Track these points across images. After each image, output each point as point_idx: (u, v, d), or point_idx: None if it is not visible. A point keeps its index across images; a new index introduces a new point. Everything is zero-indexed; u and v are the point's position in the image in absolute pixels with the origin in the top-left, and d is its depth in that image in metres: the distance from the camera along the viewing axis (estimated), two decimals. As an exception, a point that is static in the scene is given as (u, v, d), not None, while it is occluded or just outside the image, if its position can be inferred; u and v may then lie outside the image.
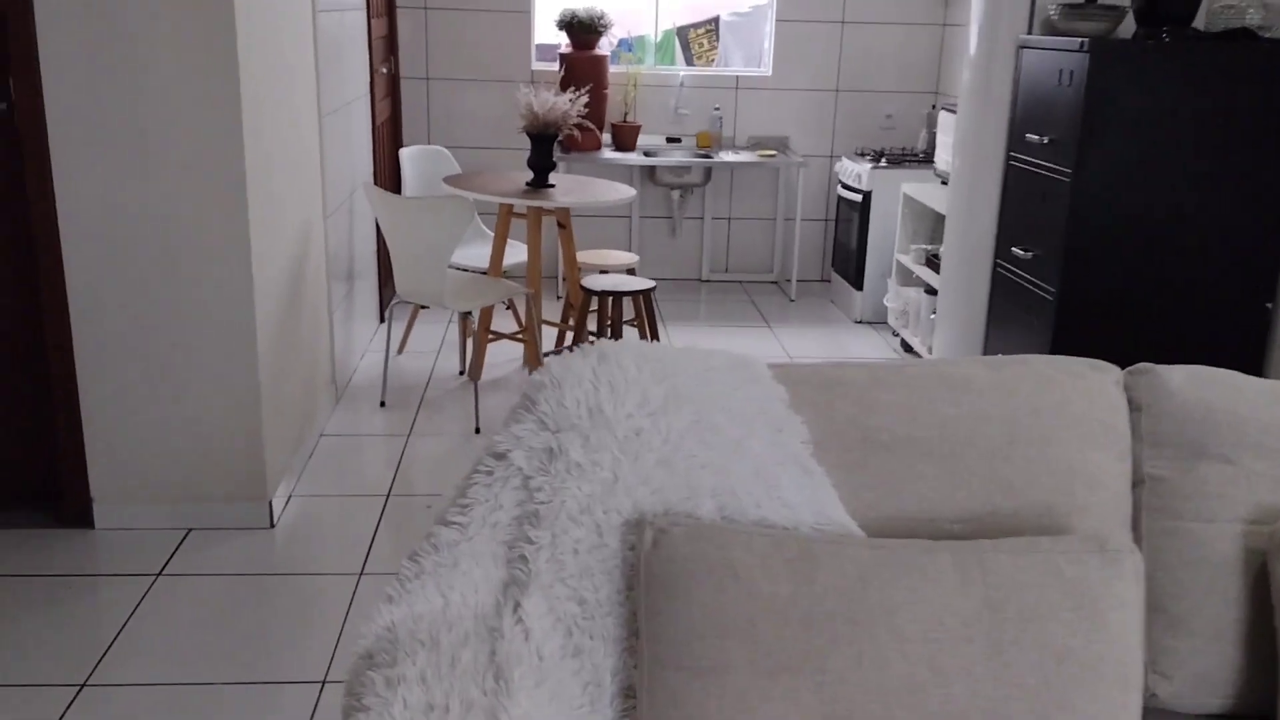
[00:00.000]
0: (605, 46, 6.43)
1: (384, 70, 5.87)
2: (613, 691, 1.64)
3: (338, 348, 4.65)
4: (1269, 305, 3.60)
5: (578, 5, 6.26)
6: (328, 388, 4.48)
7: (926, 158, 6.02)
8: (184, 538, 3.46)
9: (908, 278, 5.52)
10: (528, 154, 4.85)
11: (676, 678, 1.55)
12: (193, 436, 3.47)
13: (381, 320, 5.75)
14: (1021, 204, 3.86)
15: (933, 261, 5.19)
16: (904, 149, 6.25)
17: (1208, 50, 3.44)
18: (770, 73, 6.64)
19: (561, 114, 4.64)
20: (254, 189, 3.35)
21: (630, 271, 5.28)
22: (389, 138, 6.07)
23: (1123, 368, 1.93)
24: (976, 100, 4.13)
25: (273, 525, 3.56)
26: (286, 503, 3.72)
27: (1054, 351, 3.59)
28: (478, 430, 4.40)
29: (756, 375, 1.78)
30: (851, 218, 6.11)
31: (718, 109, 6.59)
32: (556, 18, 6.29)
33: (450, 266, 4.77)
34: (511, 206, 4.86)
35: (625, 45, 6.96)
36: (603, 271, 5.17)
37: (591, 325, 4.90)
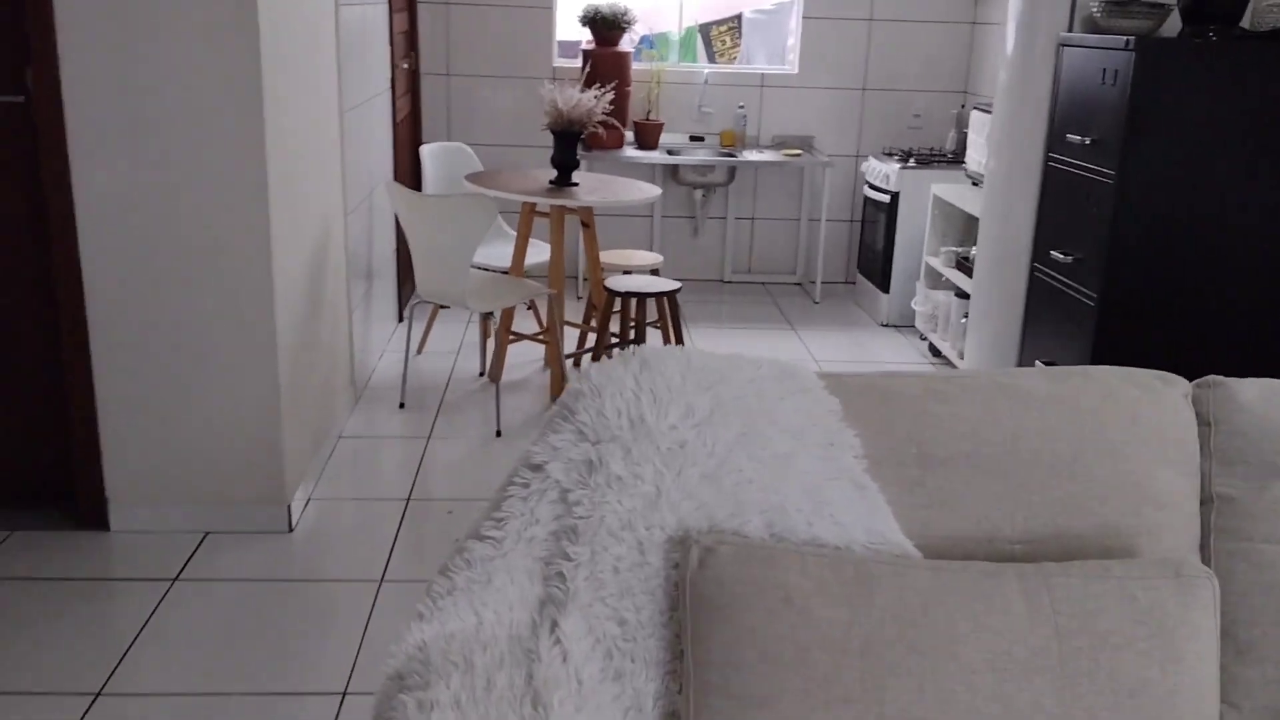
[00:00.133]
0: (626, 43, 6.34)
1: (404, 66, 5.80)
2: (654, 718, 1.55)
3: (356, 347, 4.57)
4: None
5: (601, 1, 6.16)
6: (346, 388, 4.40)
7: (956, 158, 5.91)
8: (201, 541, 3.39)
9: (937, 280, 5.42)
10: (549, 151, 4.77)
11: (725, 706, 1.46)
12: (210, 437, 3.39)
13: (400, 320, 5.67)
14: (1061, 206, 3.75)
15: (963, 264, 5.08)
16: (932, 149, 6.15)
17: (1256, 49, 3.33)
18: (796, 70, 6.54)
19: (586, 111, 4.55)
20: (275, 185, 3.27)
21: (654, 272, 5.19)
22: (409, 134, 5.99)
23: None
24: (1014, 99, 4.03)
25: (291, 529, 3.48)
26: (305, 506, 3.64)
27: (1095, 358, 3.49)
28: (499, 433, 4.32)
29: (806, 385, 1.69)
30: (878, 219, 6.01)
31: (742, 107, 6.50)
32: (580, 13, 6.20)
33: (471, 266, 4.68)
34: (534, 205, 4.77)
35: (647, 42, 6.87)
36: (626, 272, 5.08)
37: (614, 327, 4.81)
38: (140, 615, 2.99)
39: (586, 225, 4.84)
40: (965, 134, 5.92)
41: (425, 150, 5.37)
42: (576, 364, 5.08)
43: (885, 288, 5.90)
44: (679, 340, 4.66)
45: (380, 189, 5.08)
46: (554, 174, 4.86)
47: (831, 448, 1.63)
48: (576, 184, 4.75)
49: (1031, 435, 1.67)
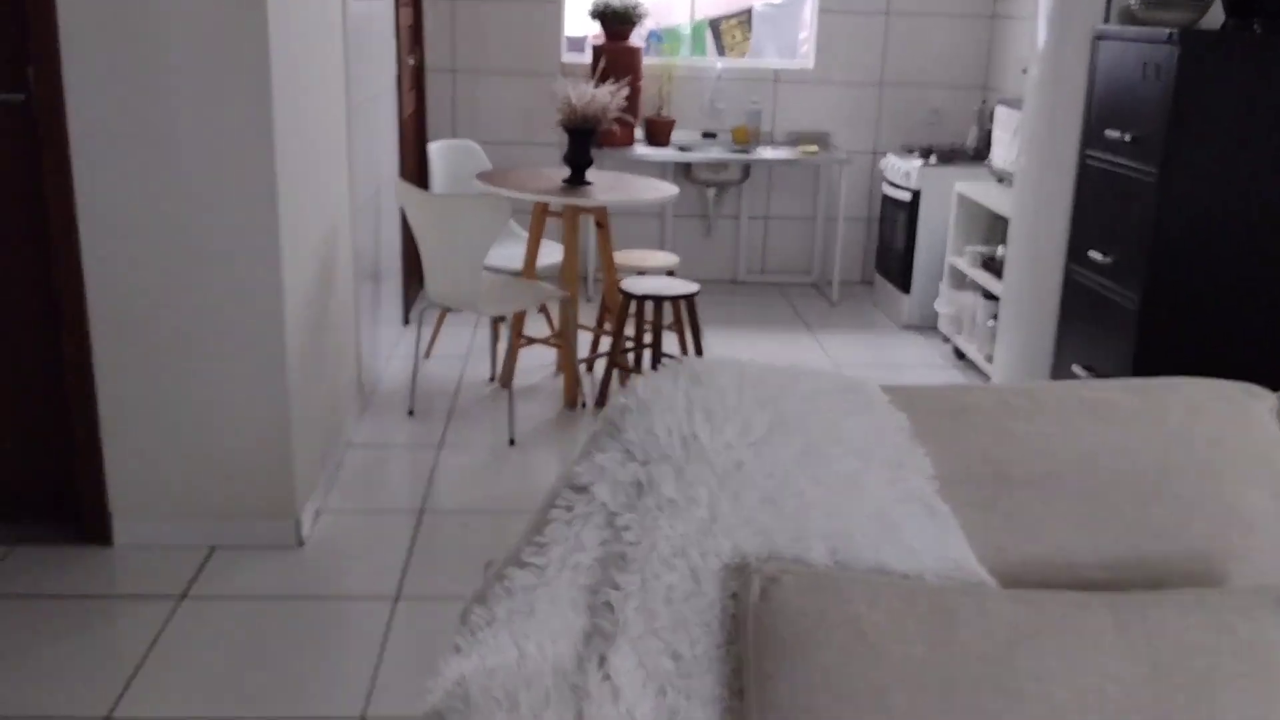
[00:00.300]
0: (635, 38, 6.20)
1: (410, 61, 5.67)
2: (712, 760, 1.43)
3: (364, 352, 4.44)
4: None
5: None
6: (354, 395, 4.27)
7: (978, 155, 5.78)
8: (207, 556, 3.26)
9: (961, 281, 5.29)
10: (557, 149, 4.65)
11: (793, 752, 1.33)
12: (217, 448, 3.27)
13: (406, 322, 5.54)
14: (1098, 205, 3.63)
15: (990, 264, 4.96)
16: (953, 145, 6.01)
17: (1303, 41, 3.21)
18: (812, 65, 6.42)
19: (601, 108, 4.43)
20: (284, 185, 3.15)
21: (669, 273, 5.06)
22: (414, 131, 5.87)
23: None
24: (1046, 95, 3.91)
25: (300, 544, 3.35)
26: (314, 519, 3.51)
27: (1137, 363, 3.37)
28: (512, 441, 4.19)
29: (871, 401, 1.56)
30: (897, 217, 5.88)
31: (756, 102, 6.37)
32: (590, 7, 6.07)
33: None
34: (547, 205, 4.64)
35: (655, 36, 6.74)
36: (640, 273, 4.95)
37: (628, 330, 4.68)
38: (147, 635, 2.87)
39: (601, 225, 4.71)
40: (988, 130, 5.79)
41: (433, 148, 5.24)
42: (590, 369, 4.95)
43: (906, 288, 5.77)
44: (698, 346, 4.53)
45: (387, 188, 4.96)
46: (567, 172, 4.73)
47: (900, 468, 1.51)
48: (591, 183, 4.63)
49: (1113, 453, 1.55)
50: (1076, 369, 3.73)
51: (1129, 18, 3.62)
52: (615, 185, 4.69)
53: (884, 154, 6.37)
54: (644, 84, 6.18)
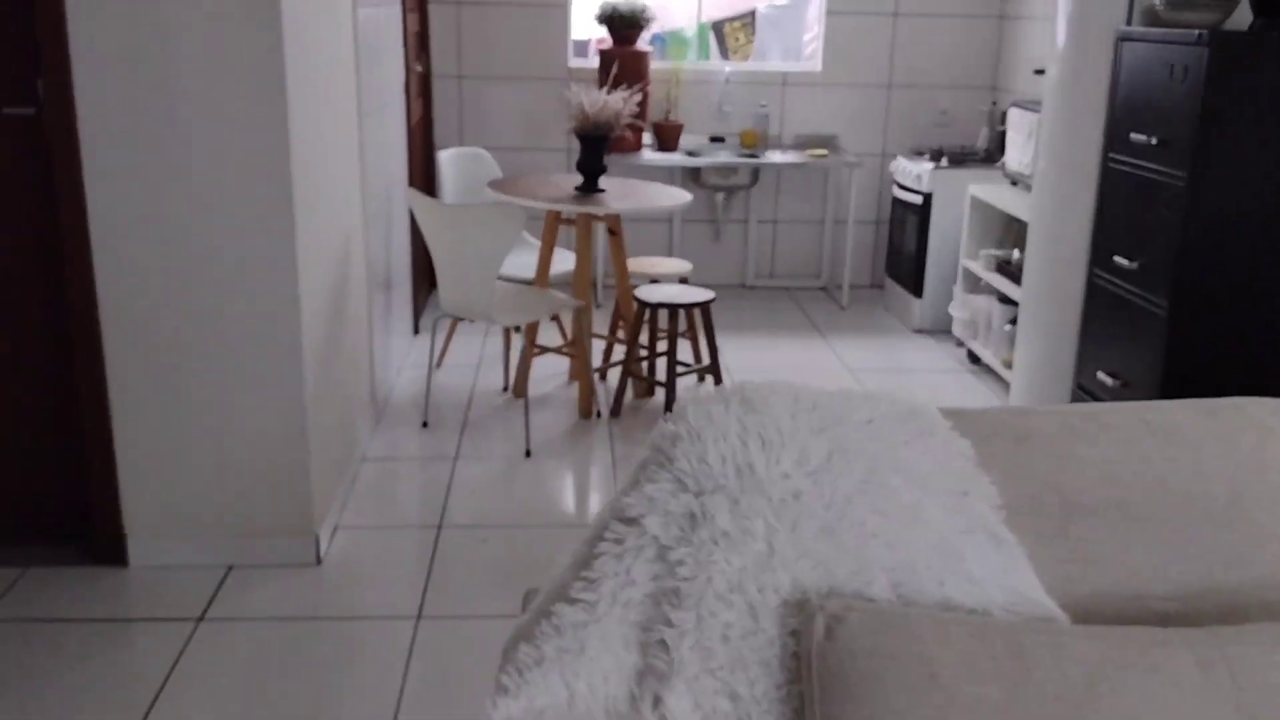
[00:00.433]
0: (641, 42, 6.15)
1: (417, 68, 5.61)
2: (774, 806, 1.38)
3: (376, 364, 4.38)
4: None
5: (618, -1, 5.98)
6: (368, 408, 4.21)
7: (989, 157, 5.72)
8: (225, 576, 3.20)
9: (975, 285, 5.23)
10: (565, 155, 4.60)
11: (863, 799, 1.28)
12: (233, 466, 3.21)
13: (416, 332, 5.49)
14: (1123, 208, 3.57)
15: (1005, 268, 4.91)
16: (963, 147, 5.96)
17: (1334, 42, 3.16)
18: (819, 68, 6.36)
19: (614, 114, 4.37)
20: (300, 198, 3.09)
21: (683, 280, 5.00)
22: (422, 138, 5.81)
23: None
24: (1066, 97, 3.85)
25: (319, 561, 3.30)
26: (332, 536, 3.46)
27: (1167, 370, 3.31)
28: (528, 453, 4.13)
29: (932, 426, 1.51)
30: (908, 220, 5.82)
31: (764, 106, 6.31)
32: (596, 11, 6.02)
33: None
34: (559, 213, 4.59)
35: (658, 39, 6.68)
36: (653, 280, 4.90)
37: (641, 338, 4.62)
38: (166, 659, 2.81)
39: (614, 233, 4.65)
40: (999, 132, 5.74)
41: (443, 156, 5.18)
42: (603, 378, 4.90)
43: (918, 292, 5.72)
44: (713, 354, 4.48)
45: (397, 195, 4.90)
46: (578, 179, 4.68)
47: (965, 497, 1.45)
48: (604, 190, 4.57)
49: (1183, 478, 1.49)
50: (1102, 376, 3.68)
51: (1152, 18, 3.57)
52: (628, 192, 4.63)
53: (893, 156, 6.32)
54: (651, 88, 6.12)
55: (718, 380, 4.51)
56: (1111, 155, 3.64)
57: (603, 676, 1.45)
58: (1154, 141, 3.36)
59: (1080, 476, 1.48)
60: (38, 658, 2.80)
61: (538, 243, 4.91)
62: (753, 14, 6.92)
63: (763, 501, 1.44)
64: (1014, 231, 5.22)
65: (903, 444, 1.48)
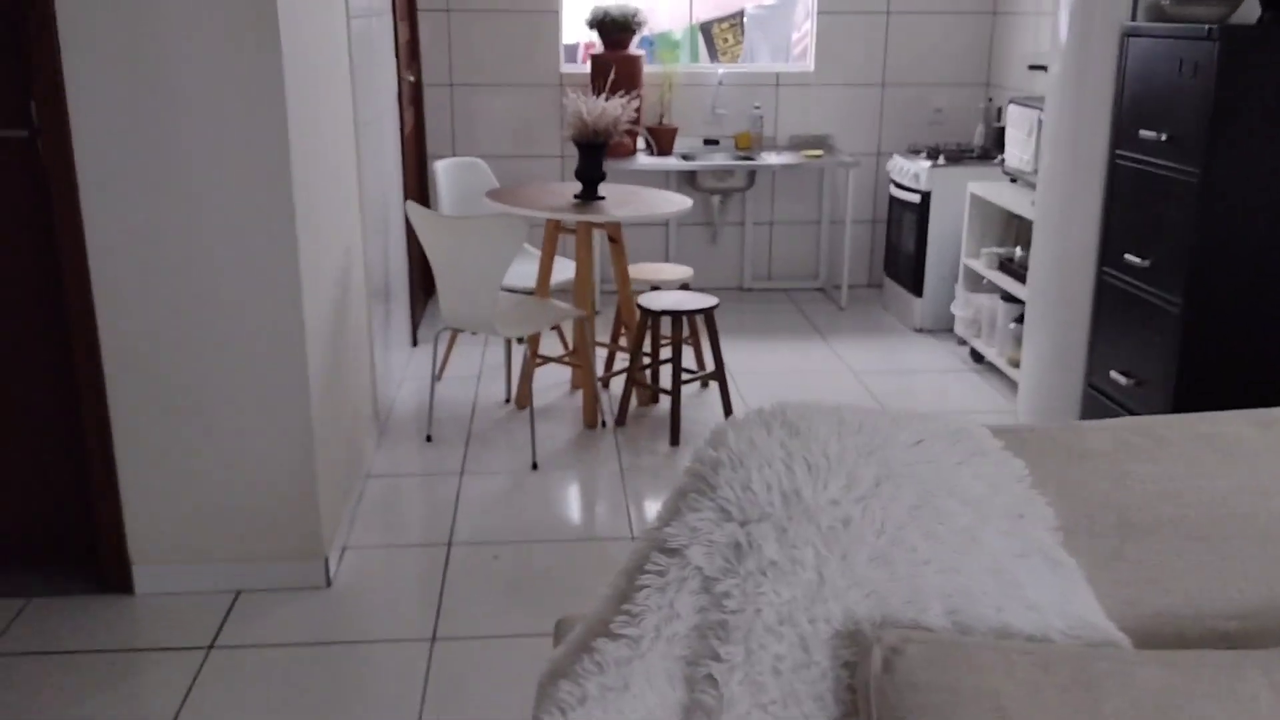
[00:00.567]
0: (631, 46, 6.10)
1: (409, 77, 5.55)
2: (833, 847, 1.33)
3: (378, 378, 4.33)
4: None
5: (609, 2, 5.93)
6: (371, 423, 4.16)
7: (985, 154, 5.69)
8: (233, 602, 3.14)
9: (977, 283, 5.20)
10: (560, 162, 4.55)
11: (931, 840, 1.23)
12: (240, 489, 3.15)
13: (414, 344, 5.43)
14: (1133, 206, 3.54)
15: (1008, 266, 4.87)
16: (959, 145, 5.93)
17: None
18: (812, 68, 6.32)
19: (613, 120, 4.32)
20: (302, 214, 3.03)
21: (684, 286, 4.96)
22: (414, 148, 5.75)
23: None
24: (1070, 93, 3.82)
25: (329, 584, 3.24)
26: (341, 557, 3.40)
27: (1182, 367, 3.28)
28: (535, 465, 4.08)
29: (983, 446, 1.46)
30: (906, 219, 5.79)
31: (758, 107, 6.27)
32: (587, 16, 5.96)
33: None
34: (559, 222, 4.53)
35: (646, 42, 6.63)
36: (654, 287, 4.85)
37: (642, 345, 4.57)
38: (177, 689, 2.75)
39: (615, 240, 4.60)
40: (995, 129, 5.71)
41: (439, 167, 5.12)
42: (605, 386, 4.85)
43: (918, 291, 5.68)
44: (717, 360, 4.43)
45: (394, 207, 4.84)
46: (576, 186, 4.63)
47: (1021, 519, 1.41)
48: (604, 197, 4.52)
49: (1244, 494, 1.45)
50: (1115, 375, 3.64)
51: (1158, 14, 3.53)
52: (628, 199, 4.58)
53: (888, 155, 6.29)
54: (644, 92, 6.07)
55: (723, 386, 4.46)
56: (1119, 152, 3.61)
57: (648, 714, 1.40)
58: (1164, 138, 3.33)
59: (1138, 494, 1.44)
60: (45, 691, 2.74)
61: (537, 252, 4.86)
62: (741, 15, 6.88)
63: (811, 529, 1.39)
64: (1015, 229, 5.19)
65: (955, 466, 1.43)
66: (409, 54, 5.64)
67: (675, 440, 4.29)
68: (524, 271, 4.86)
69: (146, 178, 2.89)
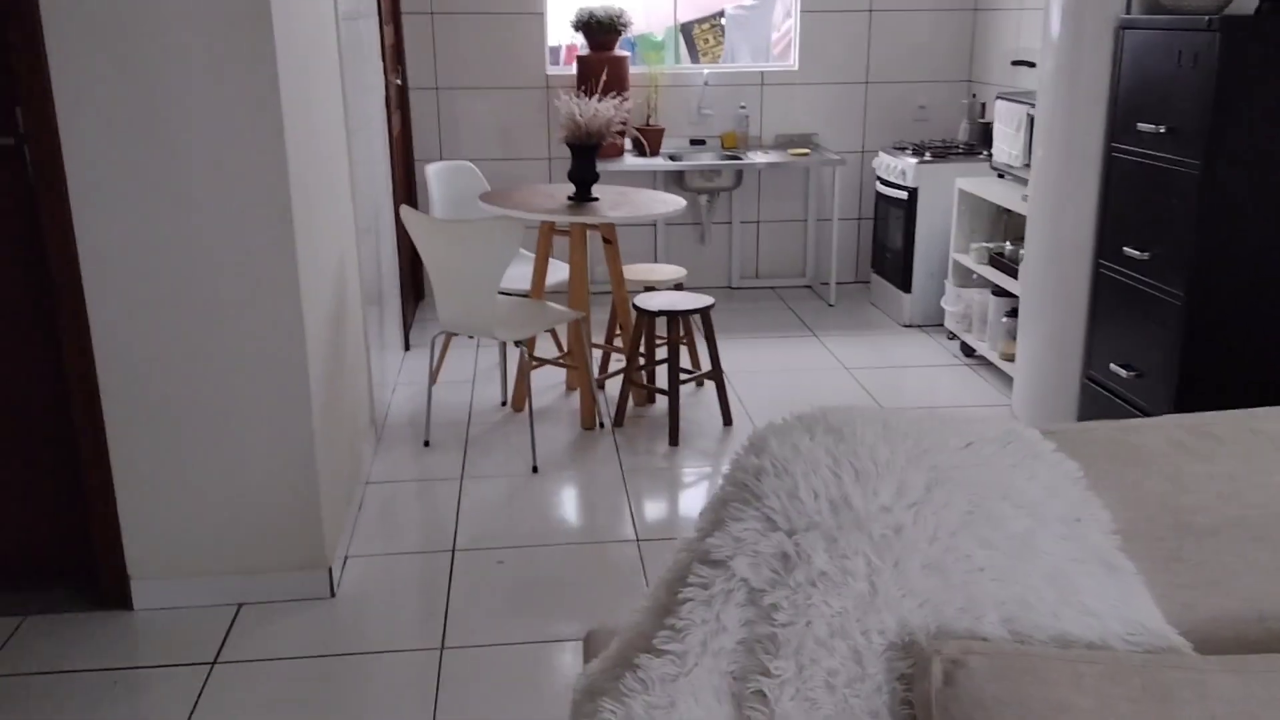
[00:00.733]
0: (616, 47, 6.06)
1: (396, 81, 5.49)
2: None
3: (373, 384, 4.27)
4: None
5: (594, 4, 5.88)
6: (368, 430, 4.10)
7: (970, 150, 5.69)
8: (235, 616, 3.09)
9: (967, 278, 5.19)
10: (548, 164, 4.51)
11: None
12: (239, 500, 3.09)
13: (406, 348, 5.37)
14: (1131, 199, 3.53)
15: (998, 260, 4.87)
16: (944, 141, 5.93)
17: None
18: (796, 67, 6.30)
19: (605, 122, 4.28)
20: (300, 220, 2.98)
21: (677, 286, 4.93)
22: (402, 152, 5.69)
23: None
24: (1063, 87, 3.81)
25: (333, 594, 3.19)
26: (343, 566, 3.35)
27: (1185, 359, 3.28)
28: (535, 469, 4.04)
29: (1035, 448, 1.44)
30: (892, 215, 5.77)
31: (744, 107, 6.24)
32: (572, 18, 5.92)
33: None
34: (553, 224, 4.49)
35: (628, 44, 6.59)
36: (648, 288, 4.82)
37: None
38: (182, 707, 2.69)
39: (609, 241, 4.56)
40: (980, 124, 5.71)
41: (430, 170, 5.07)
42: (602, 387, 4.81)
43: (906, 287, 5.67)
44: (714, 360, 4.40)
45: (385, 211, 4.78)
46: (569, 189, 4.59)
47: (1078, 523, 1.38)
48: (597, 199, 4.48)
49: (1300, 492, 1.43)
50: (1115, 367, 3.64)
51: (1153, 6, 3.53)
52: (621, 200, 4.54)
53: (873, 153, 6.28)
54: (631, 93, 6.03)
55: (721, 386, 4.44)
56: (1116, 145, 3.60)
57: (696, 732, 1.37)
58: (1163, 130, 3.32)
59: (1195, 495, 1.42)
60: (45, 712, 2.67)
61: (531, 254, 4.82)
62: (721, 15, 6.85)
63: (862, 538, 1.36)
64: (1004, 223, 5.18)
65: (1008, 469, 1.41)
66: (394, 57, 5.58)
67: (674, 440, 4.26)
68: (518, 274, 4.81)
69: (139, 184, 2.83)
